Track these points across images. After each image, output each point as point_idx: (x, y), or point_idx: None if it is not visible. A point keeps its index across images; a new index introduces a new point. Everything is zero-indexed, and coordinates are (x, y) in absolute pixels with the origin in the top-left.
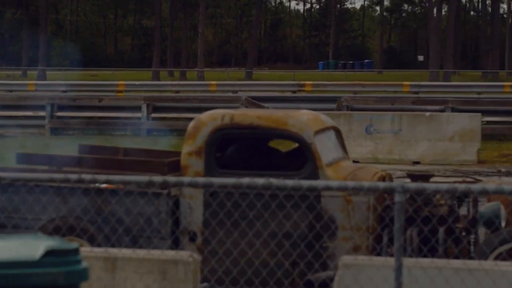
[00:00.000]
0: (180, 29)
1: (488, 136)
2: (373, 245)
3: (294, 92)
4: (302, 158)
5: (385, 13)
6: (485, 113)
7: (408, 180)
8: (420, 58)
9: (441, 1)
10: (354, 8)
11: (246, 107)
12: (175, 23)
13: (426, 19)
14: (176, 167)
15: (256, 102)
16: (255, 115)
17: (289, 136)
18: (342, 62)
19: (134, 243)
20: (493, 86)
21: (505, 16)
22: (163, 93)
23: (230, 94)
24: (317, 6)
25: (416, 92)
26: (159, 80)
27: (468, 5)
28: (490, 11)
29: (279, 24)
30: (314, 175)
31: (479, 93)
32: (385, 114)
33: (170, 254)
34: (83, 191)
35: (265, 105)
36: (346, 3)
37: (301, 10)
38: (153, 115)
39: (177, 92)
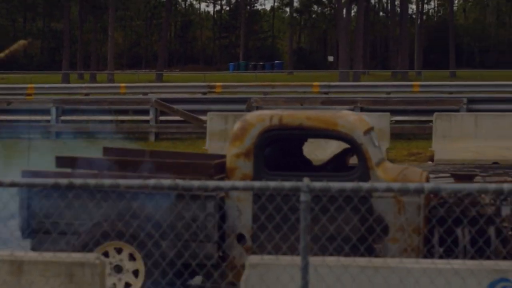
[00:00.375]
0: (89, 32)
1: (397, 135)
2: (422, 245)
3: (204, 93)
4: (347, 159)
5: (295, 14)
6: (394, 112)
7: (451, 180)
8: (330, 58)
9: (350, 2)
10: (264, 9)
11: (156, 109)
12: (84, 26)
13: (335, 20)
14: (221, 169)
15: (166, 104)
16: (304, 116)
17: (339, 137)
18: (253, 63)
19: (176, 246)
20: (402, 86)
21: (413, 16)
22: (72, 96)
23: (140, 96)
24: (227, 8)
25: (326, 93)
26: (69, 83)
27: (377, 5)
28: (399, 11)
29: (189, 26)
30: (365, 176)
31: (388, 93)
32: None
33: (77, 256)
34: (124, 195)
35: (175, 107)
36: (256, 4)
37: (211, 12)
38: (63, 117)
39: (87, 94)
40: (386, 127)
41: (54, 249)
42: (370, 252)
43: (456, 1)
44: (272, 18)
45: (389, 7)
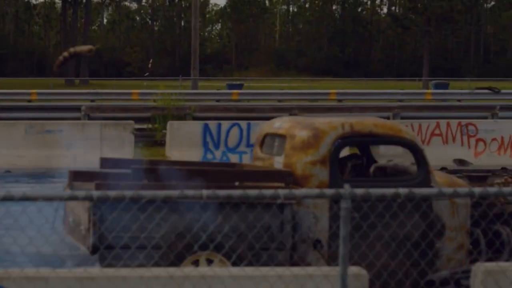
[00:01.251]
0: None
1: None
2: (469, 244)
3: None
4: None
5: None
6: None
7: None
8: None
9: None
10: None
11: None
12: None
13: None
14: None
15: None
16: (371, 123)
17: (403, 143)
18: None
19: (258, 257)
20: None
21: None
22: None
23: None
24: None
25: None
26: None
27: None
28: None
29: None
30: (427, 181)
31: None
32: None
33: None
34: (205, 205)
35: None
36: None
37: None
38: None
39: None
40: None
41: (132, 264)
42: (435, 251)
43: None
44: None
45: None
